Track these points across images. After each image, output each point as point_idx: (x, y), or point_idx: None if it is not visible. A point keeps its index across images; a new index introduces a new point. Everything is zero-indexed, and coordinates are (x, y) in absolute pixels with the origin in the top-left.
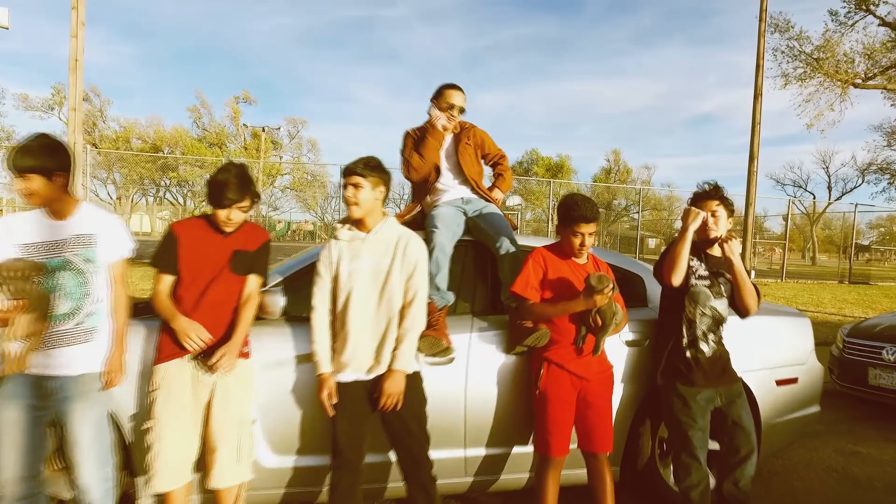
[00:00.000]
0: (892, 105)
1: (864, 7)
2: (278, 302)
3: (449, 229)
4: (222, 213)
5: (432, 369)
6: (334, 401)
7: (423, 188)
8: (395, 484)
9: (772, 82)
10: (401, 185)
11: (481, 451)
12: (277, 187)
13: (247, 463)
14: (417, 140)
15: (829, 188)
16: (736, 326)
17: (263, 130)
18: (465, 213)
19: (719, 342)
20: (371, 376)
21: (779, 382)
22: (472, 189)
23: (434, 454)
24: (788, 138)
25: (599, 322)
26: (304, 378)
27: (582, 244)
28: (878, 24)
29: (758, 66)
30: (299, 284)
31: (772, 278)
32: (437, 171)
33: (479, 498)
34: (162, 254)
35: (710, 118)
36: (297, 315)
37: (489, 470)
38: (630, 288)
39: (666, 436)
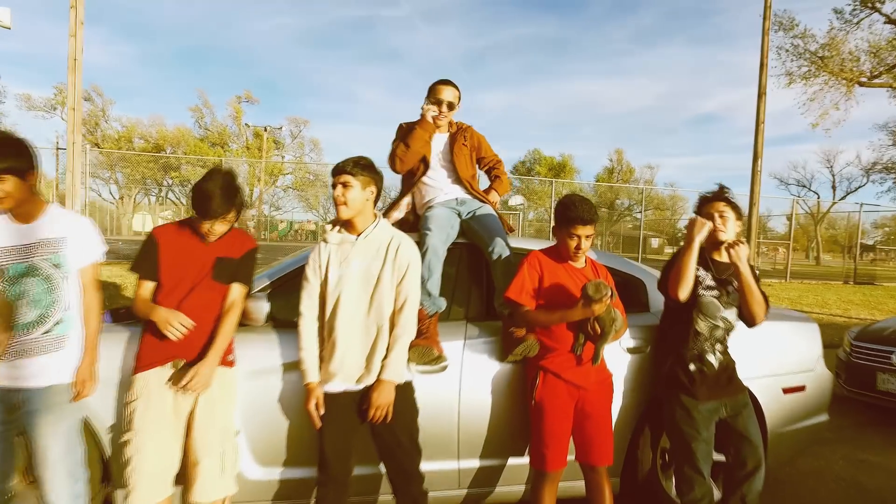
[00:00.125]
0: None
1: (869, 5)
2: (262, 308)
3: (442, 231)
4: (205, 225)
5: (424, 378)
6: (322, 412)
7: (410, 181)
8: (385, 497)
9: (776, 81)
10: (396, 189)
11: (475, 463)
12: (280, 187)
13: (231, 476)
14: (407, 132)
15: (834, 187)
16: (741, 332)
17: (265, 130)
18: (459, 215)
19: (725, 351)
20: (360, 386)
21: (786, 390)
22: (466, 190)
23: (426, 466)
24: (792, 137)
25: (598, 330)
26: (290, 387)
27: (578, 247)
28: (884, 22)
29: (762, 64)
30: (288, 289)
31: (776, 278)
32: (425, 164)
33: None
34: (142, 259)
35: (713, 117)
36: (287, 321)
37: (484, 482)
38: (631, 293)
39: (668, 446)
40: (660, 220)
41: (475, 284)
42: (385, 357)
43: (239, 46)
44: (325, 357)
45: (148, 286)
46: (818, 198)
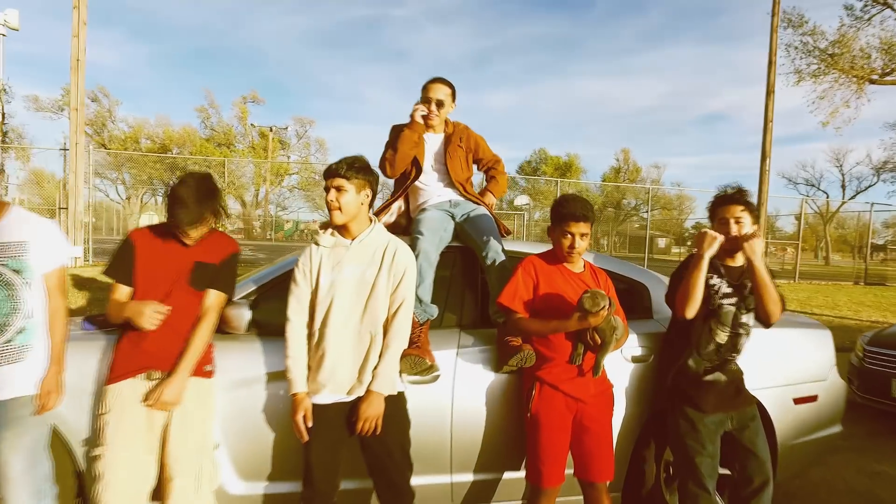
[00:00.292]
0: None
1: (881, 1)
2: (243, 315)
3: (435, 235)
4: (178, 230)
5: (415, 389)
6: (310, 424)
7: (402, 185)
8: None
9: (785, 79)
10: (388, 187)
11: (469, 477)
12: (285, 187)
13: (208, 491)
14: (397, 134)
15: (843, 186)
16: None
17: (271, 130)
18: (452, 217)
19: (735, 361)
20: (351, 398)
21: (797, 400)
22: (460, 192)
23: (417, 481)
24: (801, 136)
25: (598, 340)
26: (275, 398)
27: (572, 246)
28: None
29: (770, 62)
30: (275, 295)
31: (784, 279)
32: (418, 167)
33: None
34: (116, 263)
35: (720, 117)
36: (273, 328)
37: (477, 497)
38: (634, 298)
39: (672, 459)
40: (667, 219)
41: (469, 290)
42: (374, 367)
43: (245, 47)
44: (313, 366)
45: (123, 291)
46: (827, 197)
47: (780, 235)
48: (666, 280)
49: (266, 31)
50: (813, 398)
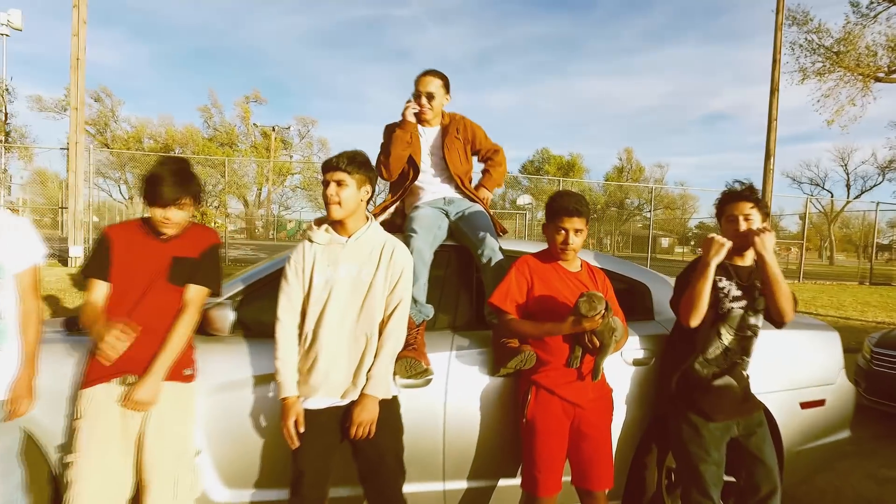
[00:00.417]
0: None
1: None
2: (227, 317)
3: (429, 233)
4: (158, 213)
5: (407, 392)
6: (301, 429)
7: (400, 186)
8: None
9: (789, 78)
10: (386, 186)
11: (462, 485)
12: (288, 187)
13: (186, 499)
14: (389, 136)
15: (848, 186)
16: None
17: (273, 130)
18: (447, 215)
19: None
20: (346, 401)
21: (804, 405)
22: (457, 187)
23: (409, 488)
24: (805, 136)
25: (597, 343)
26: (261, 401)
27: (566, 242)
28: None
29: (774, 60)
30: (263, 295)
31: (789, 279)
32: (415, 168)
33: None
34: (92, 260)
35: (724, 116)
36: (261, 329)
37: None
38: (635, 299)
39: (675, 466)
40: (670, 219)
41: (464, 290)
42: (369, 369)
43: (247, 47)
44: (304, 369)
45: (99, 289)
46: (832, 196)
47: (785, 235)
48: (668, 280)
49: (268, 31)
50: (820, 403)
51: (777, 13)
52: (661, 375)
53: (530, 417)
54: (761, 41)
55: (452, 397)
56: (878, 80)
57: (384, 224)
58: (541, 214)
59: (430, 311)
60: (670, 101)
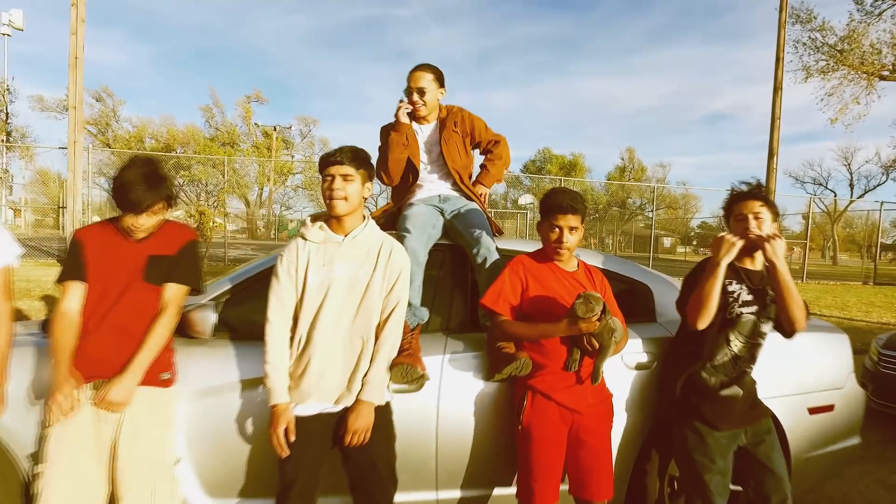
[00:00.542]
0: None
1: None
2: (208, 319)
3: (423, 233)
4: (128, 220)
5: (398, 397)
6: (292, 438)
7: (403, 191)
8: None
9: (792, 76)
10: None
11: (456, 494)
12: (289, 186)
13: None
14: (385, 139)
15: (852, 185)
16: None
17: (275, 129)
18: (442, 213)
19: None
20: (339, 408)
21: (812, 410)
22: (454, 184)
23: (400, 497)
24: (807, 135)
25: (596, 345)
26: (246, 407)
27: (559, 240)
28: None
29: (778, 58)
30: (252, 294)
31: (793, 279)
32: (414, 171)
33: None
34: (67, 265)
35: (726, 116)
36: (249, 332)
37: None
38: (636, 300)
39: (677, 474)
40: (672, 218)
41: (458, 291)
42: (365, 374)
43: (248, 46)
44: (295, 374)
45: (74, 293)
46: (835, 196)
47: (787, 235)
48: (671, 280)
49: (269, 31)
50: (829, 408)
51: (780, 11)
52: (664, 380)
53: (526, 424)
54: (763, 40)
55: (445, 402)
56: (882, 78)
57: (376, 217)
58: None
59: (424, 314)
60: (672, 100)
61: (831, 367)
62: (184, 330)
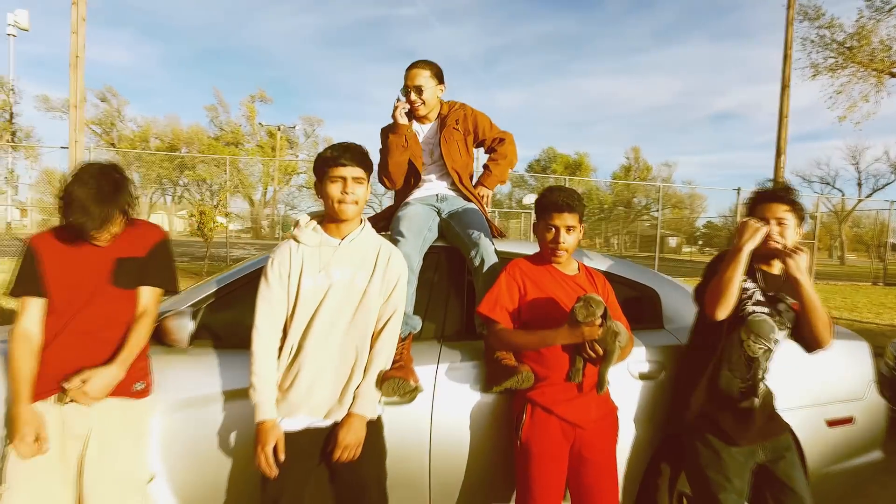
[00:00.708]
0: None
1: None
2: (185, 327)
3: (418, 236)
4: (85, 235)
5: (388, 410)
6: (282, 457)
7: (405, 193)
8: None
9: (800, 74)
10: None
11: None
12: (294, 186)
13: None
14: (385, 142)
15: (860, 184)
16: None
17: (279, 129)
18: (438, 213)
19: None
20: (328, 422)
21: (830, 423)
22: (453, 183)
23: None
24: (815, 134)
25: (600, 351)
26: (228, 420)
27: (556, 240)
28: None
29: (785, 56)
30: (238, 299)
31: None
32: (416, 174)
33: None
34: (18, 278)
35: (733, 115)
36: (232, 340)
37: None
38: (643, 305)
39: (688, 490)
40: (678, 218)
41: (454, 296)
42: (357, 387)
43: (253, 46)
44: (283, 385)
45: (32, 310)
46: (843, 195)
47: None
48: (680, 285)
49: (273, 31)
50: (848, 420)
51: (788, 8)
52: (676, 389)
53: (525, 440)
54: (770, 39)
55: (440, 415)
56: (892, 75)
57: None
58: None
59: (417, 323)
60: (678, 99)
61: (851, 377)
62: (158, 337)
